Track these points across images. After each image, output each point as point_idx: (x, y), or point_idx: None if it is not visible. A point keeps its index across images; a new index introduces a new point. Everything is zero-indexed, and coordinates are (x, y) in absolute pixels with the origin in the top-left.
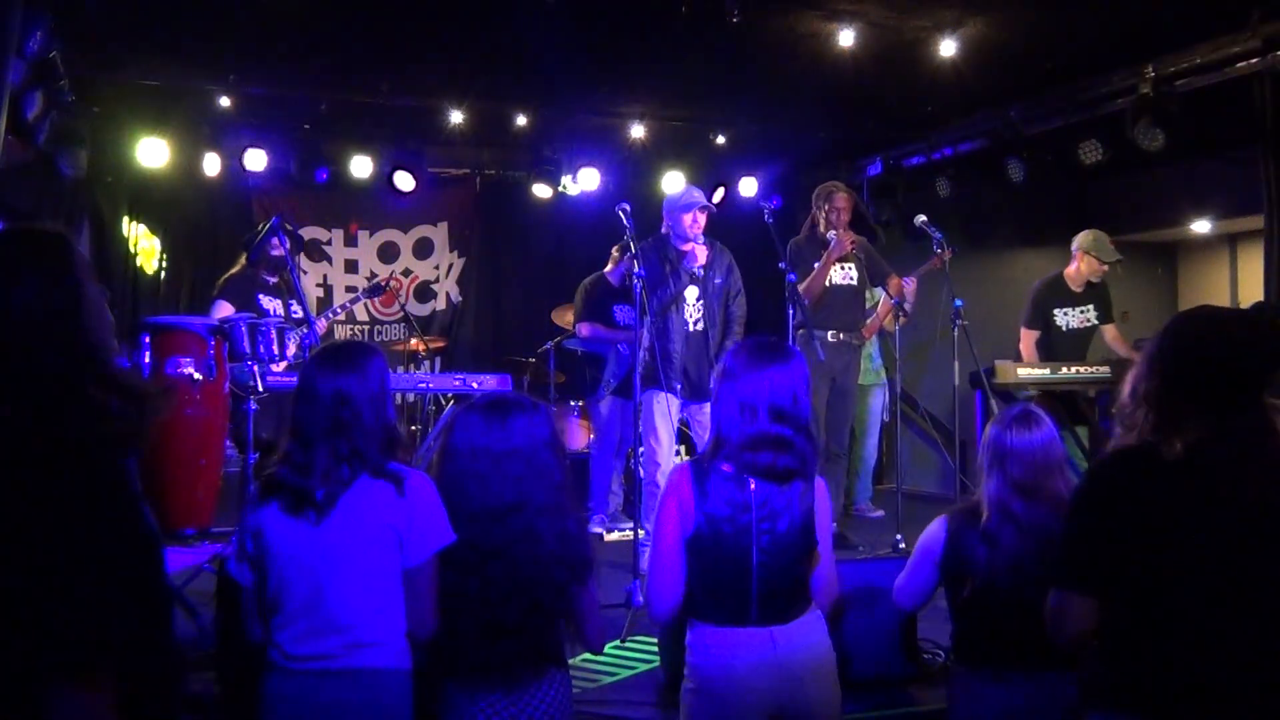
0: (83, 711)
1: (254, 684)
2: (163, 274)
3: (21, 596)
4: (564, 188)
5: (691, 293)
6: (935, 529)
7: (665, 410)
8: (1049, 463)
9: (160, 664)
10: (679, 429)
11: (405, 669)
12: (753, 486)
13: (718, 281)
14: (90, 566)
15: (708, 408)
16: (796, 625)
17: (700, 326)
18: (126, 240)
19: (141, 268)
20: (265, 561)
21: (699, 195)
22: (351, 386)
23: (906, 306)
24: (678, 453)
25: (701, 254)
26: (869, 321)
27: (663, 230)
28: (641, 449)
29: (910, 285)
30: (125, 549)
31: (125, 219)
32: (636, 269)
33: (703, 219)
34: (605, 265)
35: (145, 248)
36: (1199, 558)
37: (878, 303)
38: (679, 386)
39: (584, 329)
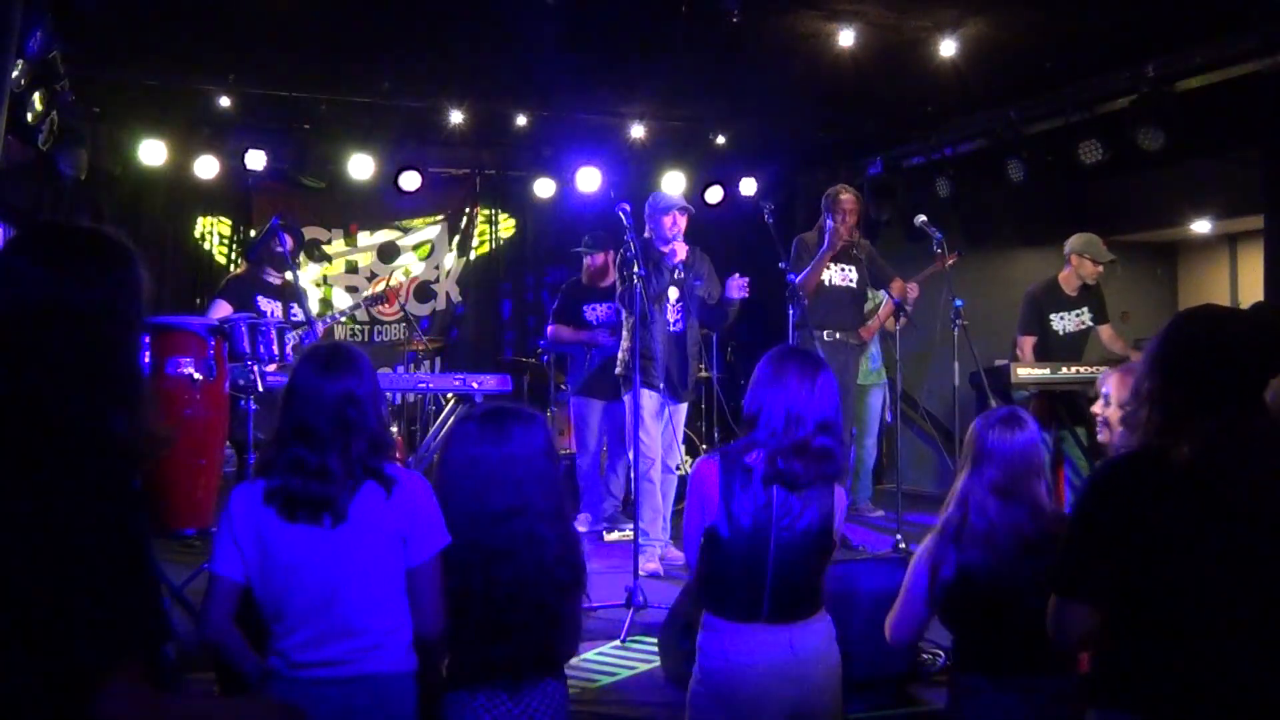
0: (130, 697)
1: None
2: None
3: (57, 599)
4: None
5: (673, 293)
6: (929, 546)
7: (654, 408)
8: (1029, 466)
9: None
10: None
11: (410, 671)
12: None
13: (696, 283)
14: (115, 559)
15: (683, 409)
16: (810, 629)
17: (680, 328)
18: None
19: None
20: (266, 568)
21: (678, 198)
22: (354, 387)
23: (907, 308)
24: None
25: (681, 250)
26: (870, 323)
27: (645, 234)
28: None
29: (913, 291)
30: (139, 539)
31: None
32: (637, 268)
33: (683, 221)
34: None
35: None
36: (1207, 562)
37: (879, 304)
38: (661, 385)
39: (550, 331)
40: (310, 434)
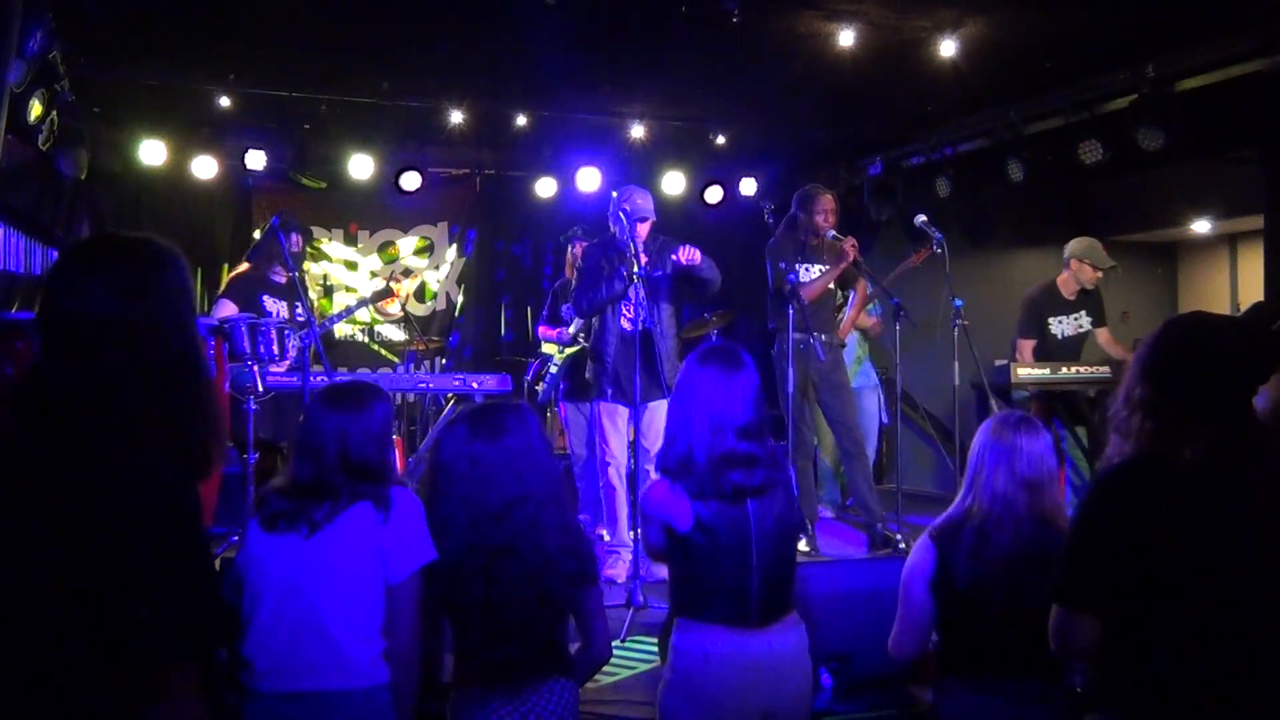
0: (185, 688)
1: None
2: None
3: (125, 598)
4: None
5: (632, 294)
6: (921, 553)
7: (610, 413)
8: (1051, 468)
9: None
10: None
11: (381, 684)
12: None
13: (658, 274)
14: (187, 558)
15: (660, 408)
16: (787, 633)
17: (634, 329)
18: None
19: None
20: (245, 577)
21: (644, 203)
22: (355, 425)
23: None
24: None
25: (643, 258)
26: (842, 323)
27: (611, 230)
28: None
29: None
30: (201, 544)
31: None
32: (634, 250)
33: (644, 229)
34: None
35: None
36: (1218, 567)
37: (846, 303)
38: (609, 391)
39: (537, 333)
40: (307, 457)
